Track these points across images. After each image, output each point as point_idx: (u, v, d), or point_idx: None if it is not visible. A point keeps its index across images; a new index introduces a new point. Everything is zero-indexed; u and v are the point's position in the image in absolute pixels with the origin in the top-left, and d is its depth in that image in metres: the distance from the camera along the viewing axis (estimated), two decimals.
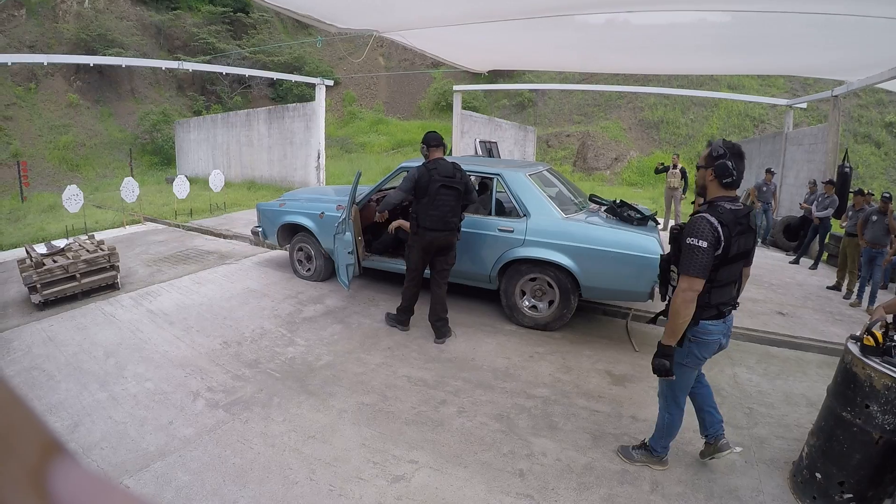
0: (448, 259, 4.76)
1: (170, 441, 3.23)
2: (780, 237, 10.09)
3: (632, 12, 5.26)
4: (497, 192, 5.36)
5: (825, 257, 8.95)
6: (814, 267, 8.59)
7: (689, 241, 2.56)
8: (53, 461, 0.24)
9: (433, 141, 4.63)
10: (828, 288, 7.31)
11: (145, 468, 2.98)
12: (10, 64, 10.96)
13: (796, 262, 8.83)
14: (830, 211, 8.43)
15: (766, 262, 8.83)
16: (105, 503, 0.24)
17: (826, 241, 8.80)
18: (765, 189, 10.06)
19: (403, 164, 5.67)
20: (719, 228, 2.55)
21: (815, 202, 8.70)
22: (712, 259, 2.54)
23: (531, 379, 4.17)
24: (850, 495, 2.73)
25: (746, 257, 2.79)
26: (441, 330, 4.82)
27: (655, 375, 2.82)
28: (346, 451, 3.18)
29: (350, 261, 5.21)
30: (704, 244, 2.50)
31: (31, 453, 0.24)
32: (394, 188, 5.21)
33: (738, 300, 2.91)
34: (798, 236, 9.51)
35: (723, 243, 2.56)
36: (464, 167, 5.53)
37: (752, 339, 5.28)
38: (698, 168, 2.81)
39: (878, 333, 2.76)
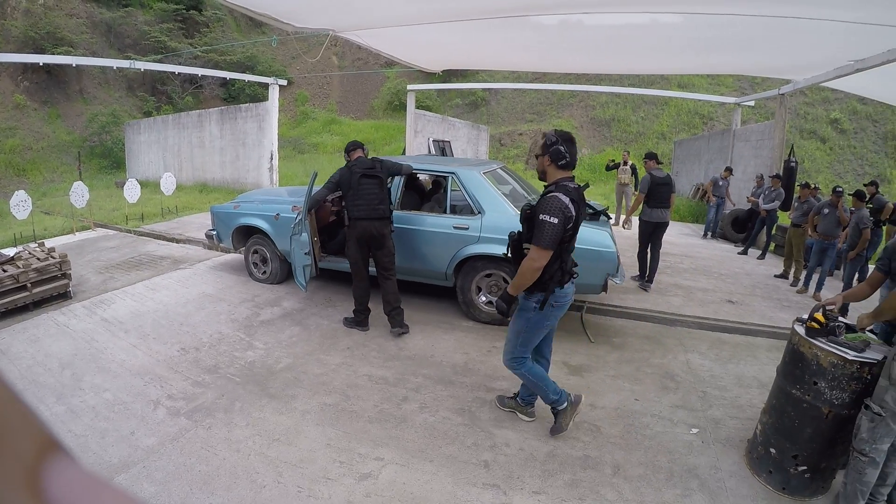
0: (385, 252, 4.81)
1: (133, 452, 3.15)
2: (728, 229, 10.48)
3: (586, 13, 5.37)
4: (452, 190, 5.41)
5: (772, 247, 9.35)
6: (761, 257, 8.97)
7: (541, 216, 2.85)
8: (49, 459, 0.24)
9: (350, 146, 4.99)
10: (775, 276, 7.64)
11: (110, 481, 2.89)
12: None
13: (744, 252, 9.20)
14: (777, 203, 8.81)
15: (716, 253, 9.16)
16: (100, 502, 0.24)
17: (773, 232, 9.20)
18: (721, 184, 10.43)
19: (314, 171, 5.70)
20: (570, 205, 2.89)
21: (763, 195, 9.07)
22: (562, 233, 2.87)
23: (490, 373, 4.24)
24: (805, 467, 2.90)
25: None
26: (396, 319, 4.89)
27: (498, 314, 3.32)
28: (312, 451, 3.17)
29: (307, 261, 5.16)
30: (555, 220, 2.82)
31: (26, 451, 0.23)
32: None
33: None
34: (746, 228, 9.90)
35: (574, 216, 2.91)
36: (418, 166, 5.60)
37: (703, 327, 5.50)
38: (537, 157, 3.13)
39: (821, 316, 2.93)
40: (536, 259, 2.89)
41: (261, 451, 3.17)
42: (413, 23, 5.89)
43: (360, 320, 5.03)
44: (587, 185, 3.14)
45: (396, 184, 5.51)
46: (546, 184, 3.10)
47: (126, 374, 4.13)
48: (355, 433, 3.36)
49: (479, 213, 5.15)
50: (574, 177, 3.09)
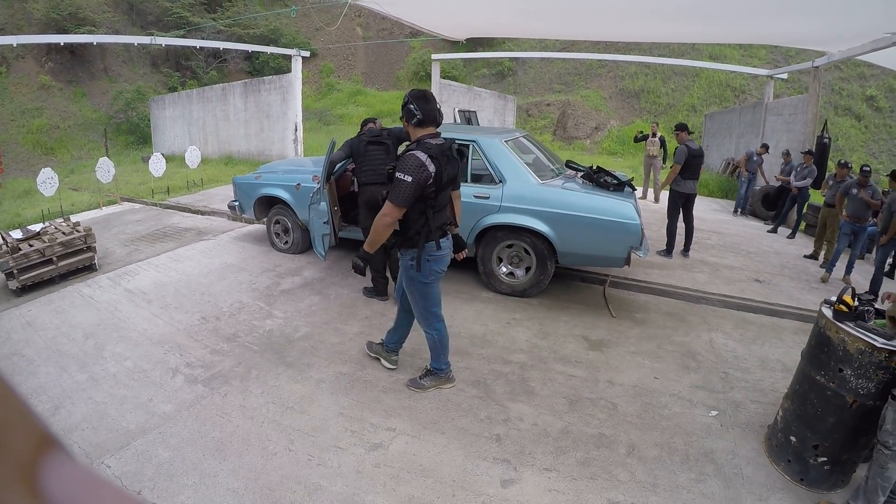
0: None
1: (150, 418, 3.21)
2: (758, 206, 10.18)
3: None
4: (472, 159, 5.31)
5: (803, 227, 9.05)
6: (791, 236, 8.69)
7: (397, 174, 2.90)
8: (46, 456, 0.24)
9: (364, 121, 5.22)
10: (805, 257, 7.39)
11: (126, 446, 2.95)
12: None
13: (774, 231, 8.92)
14: (809, 181, 8.49)
15: (745, 230, 8.91)
16: (97, 500, 0.24)
17: (804, 210, 8.89)
18: (755, 159, 10.08)
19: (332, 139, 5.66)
20: (428, 162, 2.90)
21: (794, 172, 8.76)
22: (418, 190, 2.91)
23: (508, 345, 4.19)
24: (825, 458, 2.78)
25: (453, 183, 3.20)
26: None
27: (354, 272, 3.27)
28: (324, 420, 3.18)
29: (326, 231, 5.14)
30: (409, 178, 2.86)
31: (23, 448, 0.23)
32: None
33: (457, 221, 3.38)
34: (776, 206, 9.60)
35: (434, 173, 2.92)
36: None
37: (729, 305, 5.35)
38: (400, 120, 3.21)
39: (849, 299, 2.79)
40: (388, 215, 2.95)
41: (274, 419, 3.19)
42: None
43: (378, 289, 5.02)
44: (452, 141, 3.16)
45: None
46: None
47: (147, 343, 4.21)
48: (368, 402, 3.36)
49: (501, 182, 5.05)
50: (439, 133, 3.11)
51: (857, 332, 2.67)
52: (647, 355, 4.14)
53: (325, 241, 5.20)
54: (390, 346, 3.73)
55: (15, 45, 14.42)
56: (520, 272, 5.20)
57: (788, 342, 4.63)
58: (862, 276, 6.63)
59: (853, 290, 2.89)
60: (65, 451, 0.25)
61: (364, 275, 3.28)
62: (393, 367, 3.73)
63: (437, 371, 3.51)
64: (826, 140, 9.08)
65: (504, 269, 5.24)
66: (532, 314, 4.81)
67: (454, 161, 3.11)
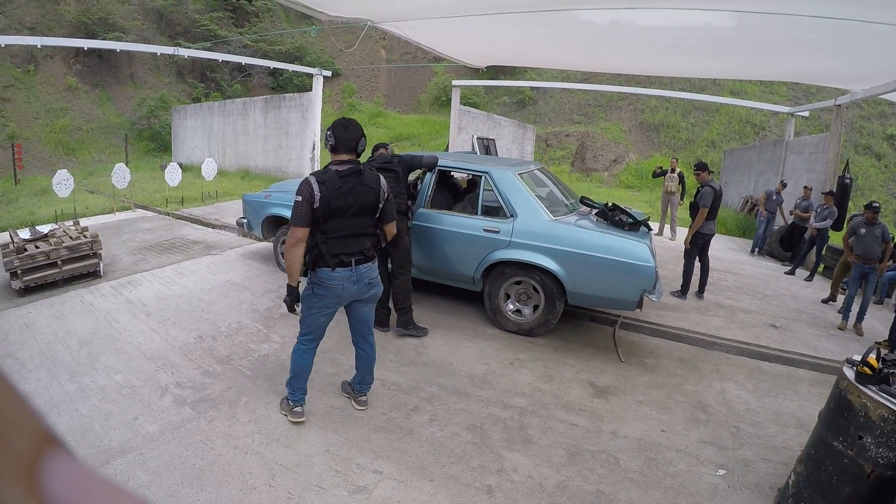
0: (400, 249, 4.66)
1: (133, 437, 3.13)
2: (776, 247, 9.96)
3: (632, 9, 5.08)
4: (485, 190, 5.18)
5: (821, 269, 8.81)
6: (809, 278, 8.45)
7: (295, 197, 2.97)
8: (47, 454, 0.24)
9: (375, 147, 5.12)
10: (822, 301, 7.13)
11: (106, 464, 2.87)
12: (2, 45, 10.76)
13: (792, 272, 8.69)
14: (829, 222, 8.28)
15: (762, 271, 8.69)
16: (98, 498, 0.24)
17: (823, 252, 8.65)
18: (774, 198, 9.88)
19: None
20: (315, 185, 2.94)
21: (814, 213, 8.56)
22: (309, 211, 2.94)
23: (509, 387, 4.01)
24: None
25: (370, 214, 3.14)
26: (401, 319, 4.79)
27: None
28: (310, 456, 3.04)
29: None
30: (300, 198, 2.93)
31: (24, 446, 0.23)
32: None
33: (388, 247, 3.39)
34: (794, 246, 9.38)
35: (319, 197, 2.94)
36: (451, 164, 5.42)
37: (743, 353, 5.14)
38: None
39: (874, 360, 2.61)
40: (290, 236, 2.99)
41: (258, 451, 3.07)
42: (453, 15, 5.68)
43: (380, 319, 4.88)
44: (358, 166, 3.11)
45: (427, 181, 5.33)
46: None
47: (140, 358, 4.14)
48: (357, 441, 3.21)
49: (512, 216, 4.91)
50: (353, 159, 3.11)
51: (881, 397, 2.48)
52: (655, 405, 3.94)
53: None
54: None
55: (39, 46, 14.68)
56: (527, 310, 5.02)
57: (804, 394, 4.41)
58: (881, 323, 6.39)
59: (878, 349, 2.71)
60: (66, 449, 0.25)
61: (291, 310, 3.19)
62: (362, 408, 3.57)
63: (288, 398, 3.42)
64: (847, 180, 8.89)
65: (511, 307, 5.07)
66: (537, 355, 4.63)
67: (362, 191, 3.07)
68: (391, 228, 3.26)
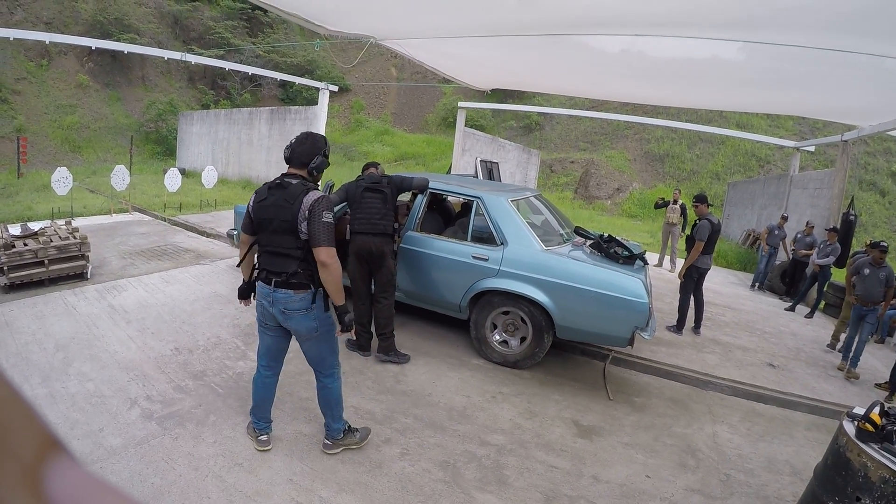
0: (384, 272, 4.53)
1: (95, 450, 3.04)
2: (776, 282, 9.81)
3: (639, 35, 4.98)
4: (476, 215, 5.04)
5: (822, 306, 8.65)
6: (810, 315, 8.28)
7: None
8: (50, 459, 0.24)
9: (366, 166, 4.92)
10: (828, 346, 6.71)
11: (111, 482, 2.71)
12: (11, 39, 10.82)
13: (792, 309, 8.52)
14: (832, 259, 8.13)
15: (761, 307, 8.52)
16: (100, 503, 0.24)
17: (825, 289, 8.49)
18: (776, 233, 9.75)
19: (329, 181, 5.45)
20: (254, 194, 2.99)
21: (817, 249, 8.42)
22: (248, 219, 3.01)
23: (489, 423, 3.82)
24: None
25: (288, 233, 2.85)
26: (382, 345, 4.63)
27: None
28: (271, 485, 2.88)
29: None
30: (242, 208, 2.97)
31: (27, 451, 0.23)
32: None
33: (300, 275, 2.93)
34: (795, 282, 9.22)
35: (250, 209, 2.98)
36: (443, 187, 5.29)
37: (738, 393, 4.97)
38: None
39: (877, 417, 2.45)
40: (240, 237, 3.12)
41: (219, 474, 2.93)
42: (455, 35, 5.60)
43: (361, 343, 4.73)
44: (286, 180, 2.93)
45: (418, 203, 5.20)
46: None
47: (114, 367, 4.07)
48: (322, 471, 3.04)
49: (502, 244, 4.76)
50: (298, 174, 2.96)
51: (883, 456, 2.33)
52: (642, 448, 3.74)
53: None
54: (333, 431, 3.28)
55: (48, 43, 14.77)
56: (514, 341, 4.84)
57: (800, 440, 4.23)
58: (882, 363, 6.20)
59: (882, 405, 2.55)
60: (69, 454, 0.25)
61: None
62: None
63: (252, 423, 3.31)
64: (852, 217, 8.75)
65: (498, 337, 4.89)
66: (521, 389, 4.44)
67: (283, 207, 2.83)
68: (320, 255, 2.78)
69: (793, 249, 9.30)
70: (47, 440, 0.24)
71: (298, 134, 3.04)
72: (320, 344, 3.07)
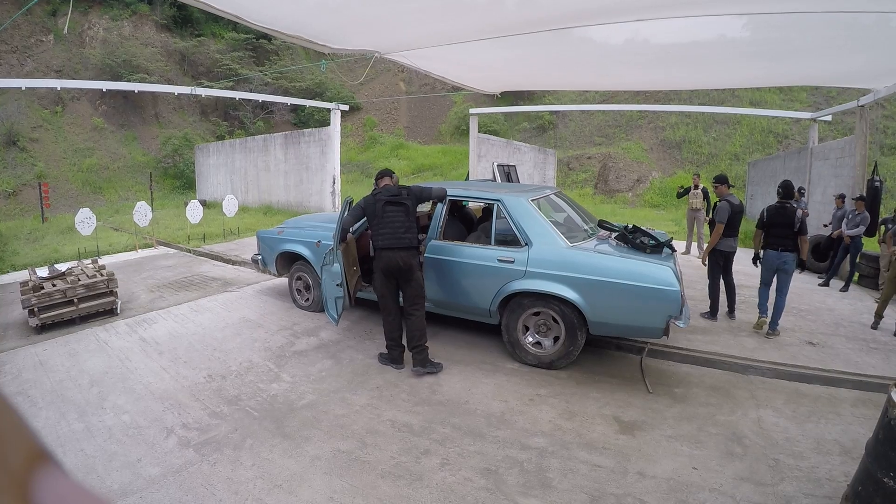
0: (413, 285, 4.51)
1: (134, 480, 3.08)
2: (808, 258, 9.53)
3: (641, 21, 4.92)
4: (497, 218, 4.99)
5: (856, 278, 8.39)
6: (844, 289, 8.03)
7: None
8: (40, 470, 0.24)
9: (378, 174, 4.83)
10: (872, 328, 6.18)
11: (98, 494, 2.73)
12: (23, 88, 11.16)
13: (826, 284, 8.28)
14: (862, 228, 7.89)
15: (795, 285, 8.18)
16: None
17: (857, 260, 8.25)
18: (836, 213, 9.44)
19: (348, 197, 5.45)
20: None
21: (846, 220, 8.17)
22: None
23: (528, 426, 3.76)
24: None
25: None
26: (417, 357, 4.57)
27: None
28: None
29: (339, 293, 4.87)
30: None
31: (17, 461, 0.24)
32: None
33: None
34: (828, 257, 8.97)
35: None
36: (462, 193, 5.28)
37: (780, 375, 4.81)
38: None
39: None
40: None
41: (259, 497, 2.93)
42: (459, 41, 5.60)
43: (394, 357, 4.71)
44: None
45: (439, 212, 5.19)
46: None
47: (148, 398, 4.13)
48: (363, 488, 3.02)
49: (526, 244, 4.70)
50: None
51: None
52: (686, 440, 3.65)
53: (338, 305, 4.93)
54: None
55: (59, 89, 15.17)
56: (547, 342, 4.75)
57: (847, 417, 4.07)
58: None
59: None
60: (58, 465, 0.25)
61: None
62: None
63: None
64: (878, 183, 8.49)
65: (530, 339, 4.80)
66: (559, 389, 4.37)
67: None
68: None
69: (836, 233, 8.77)
70: (36, 450, 0.25)
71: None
72: None
